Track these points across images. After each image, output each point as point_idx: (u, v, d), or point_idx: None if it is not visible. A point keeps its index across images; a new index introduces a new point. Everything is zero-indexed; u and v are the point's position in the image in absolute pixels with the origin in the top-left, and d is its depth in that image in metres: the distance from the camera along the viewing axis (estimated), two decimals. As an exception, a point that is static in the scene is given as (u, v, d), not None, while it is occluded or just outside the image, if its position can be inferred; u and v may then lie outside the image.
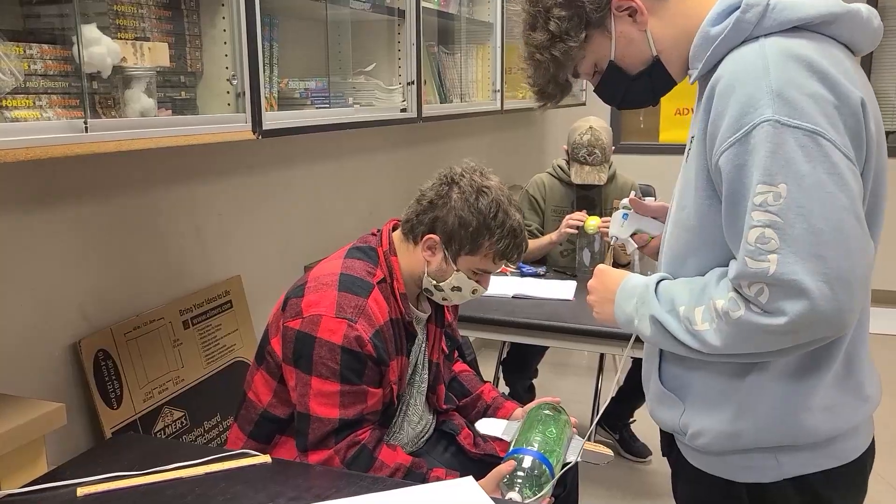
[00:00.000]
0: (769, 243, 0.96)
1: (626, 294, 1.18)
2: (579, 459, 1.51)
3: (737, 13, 1.03)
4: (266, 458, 1.44)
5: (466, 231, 1.53)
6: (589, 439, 1.57)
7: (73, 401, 1.74)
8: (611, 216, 2.83)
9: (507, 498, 1.38)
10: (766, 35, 1.02)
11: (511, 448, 1.47)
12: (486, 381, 1.87)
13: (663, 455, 1.36)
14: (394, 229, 1.64)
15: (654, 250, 1.43)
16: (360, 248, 1.60)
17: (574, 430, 1.55)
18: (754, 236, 0.97)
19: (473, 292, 1.60)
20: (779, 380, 1.10)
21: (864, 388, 1.14)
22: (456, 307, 1.84)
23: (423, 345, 1.68)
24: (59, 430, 1.45)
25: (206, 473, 1.37)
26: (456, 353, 1.91)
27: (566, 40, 1.13)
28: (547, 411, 1.57)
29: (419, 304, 1.68)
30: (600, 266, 1.28)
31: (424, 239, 1.56)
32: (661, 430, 1.33)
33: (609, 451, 1.57)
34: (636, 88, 1.19)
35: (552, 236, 2.85)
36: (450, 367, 1.79)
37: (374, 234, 1.64)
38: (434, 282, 1.58)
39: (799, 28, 1.03)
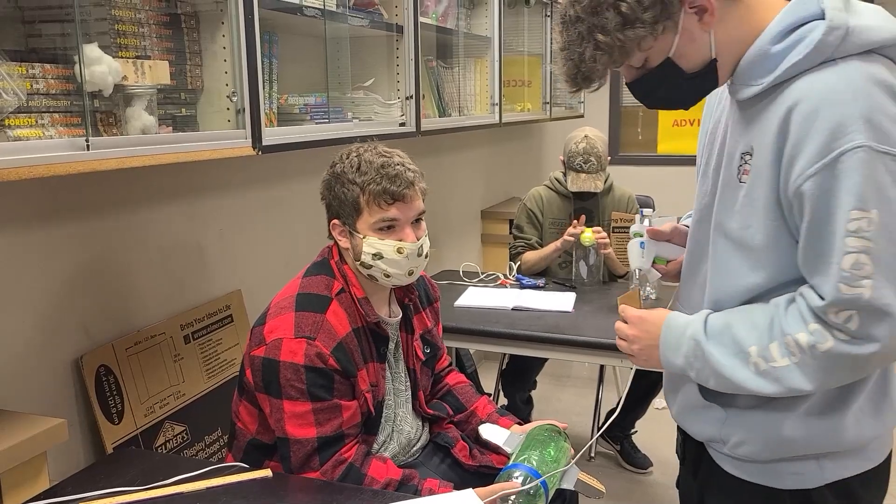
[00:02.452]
0: (863, 269, 0.97)
1: (671, 346, 1.17)
2: (572, 489, 1.53)
3: (817, 35, 1.02)
4: (266, 473, 1.44)
5: (343, 198, 1.53)
6: (590, 451, 1.58)
7: (74, 416, 1.75)
8: (608, 228, 2.88)
9: None
10: (843, 58, 1.02)
11: (510, 462, 1.48)
12: (482, 395, 1.87)
13: (682, 462, 1.35)
14: None
15: (675, 273, 1.42)
16: (317, 263, 1.63)
17: (572, 459, 1.56)
18: (850, 262, 0.98)
19: (399, 251, 1.52)
20: (823, 394, 1.12)
21: (893, 397, 1.17)
22: (436, 312, 1.82)
23: (398, 352, 1.68)
24: (61, 445, 1.46)
25: (207, 488, 1.38)
26: (448, 362, 1.90)
27: (638, 27, 1.06)
28: (549, 433, 1.58)
29: (390, 308, 1.68)
30: (631, 311, 1.25)
31: (332, 229, 1.59)
32: (682, 440, 1.32)
33: (602, 487, 1.58)
34: (682, 88, 1.15)
35: (557, 244, 2.86)
36: (429, 372, 1.78)
37: (329, 247, 1.66)
38: (358, 262, 1.56)
39: (870, 51, 1.03)
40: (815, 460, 1.14)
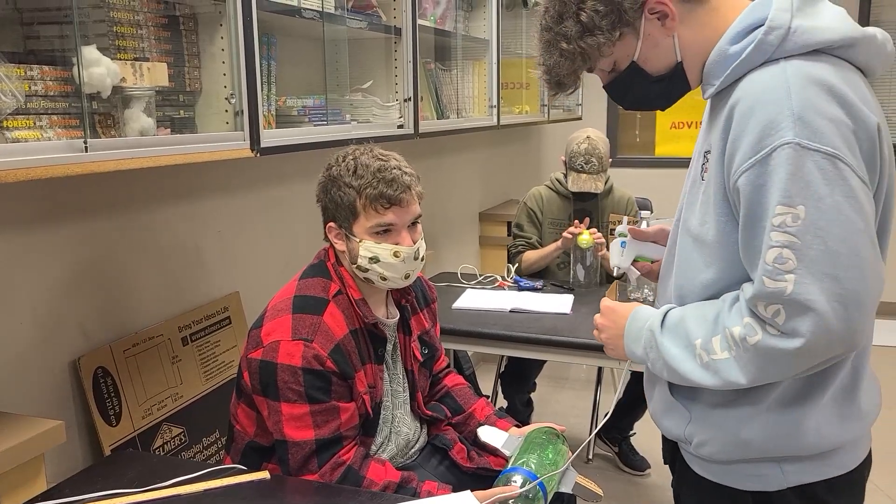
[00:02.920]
0: (787, 263, 0.98)
1: (633, 337, 1.20)
2: (570, 492, 1.53)
3: (759, 35, 1.04)
4: (264, 475, 1.44)
5: (339, 202, 1.53)
6: (588, 453, 1.58)
7: (72, 418, 1.75)
8: (606, 230, 2.88)
9: None
10: (786, 58, 1.03)
11: (508, 466, 1.49)
12: (480, 397, 1.87)
13: (665, 463, 1.37)
14: None
15: (657, 274, 1.44)
16: (314, 266, 1.63)
17: (569, 462, 1.57)
18: (772, 256, 0.99)
19: (396, 255, 1.53)
20: (783, 393, 1.12)
21: (862, 403, 1.15)
22: (433, 313, 1.82)
23: (396, 353, 1.68)
24: (59, 447, 1.45)
25: (205, 490, 1.38)
26: (446, 363, 1.90)
27: (597, 34, 1.12)
28: (548, 436, 1.58)
29: (388, 310, 1.68)
30: (606, 302, 1.29)
31: (328, 232, 1.58)
32: (663, 438, 1.34)
33: (600, 490, 1.59)
34: (652, 91, 1.19)
35: (557, 244, 2.87)
36: (427, 373, 1.78)
37: (325, 249, 1.66)
38: (355, 266, 1.56)
39: (818, 51, 1.04)
40: (776, 463, 1.15)
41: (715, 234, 1.10)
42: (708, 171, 1.11)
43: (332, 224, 1.58)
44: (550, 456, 1.51)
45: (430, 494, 1.48)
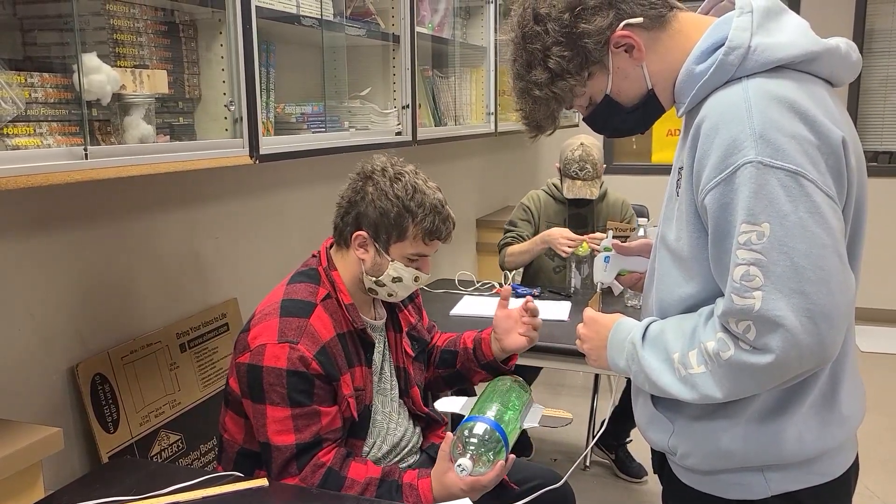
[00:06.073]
0: (753, 281, 0.99)
1: (616, 348, 1.21)
2: (538, 425, 1.54)
3: (719, 56, 1.05)
4: (263, 482, 1.44)
5: (389, 219, 1.54)
6: (585, 461, 1.59)
7: (70, 425, 1.75)
8: (603, 232, 2.88)
9: (457, 464, 1.40)
10: (748, 76, 1.04)
11: (466, 416, 1.49)
12: (465, 331, 1.88)
13: (654, 472, 1.38)
14: (331, 247, 1.67)
15: (641, 285, 1.45)
16: (302, 271, 1.64)
17: (532, 399, 1.59)
18: (739, 274, 1.00)
19: (416, 279, 1.60)
20: (763, 404, 1.13)
21: (843, 409, 1.16)
22: (420, 309, 1.85)
23: (386, 352, 1.69)
24: (56, 454, 1.45)
25: (203, 497, 1.38)
26: (438, 334, 1.91)
27: (567, 78, 1.14)
28: (508, 382, 1.60)
29: (375, 311, 1.69)
30: (588, 312, 1.30)
31: (354, 237, 1.58)
32: (651, 448, 1.35)
33: (568, 415, 1.60)
34: (630, 119, 1.21)
35: (536, 239, 2.87)
36: (421, 367, 1.79)
37: (314, 256, 1.67)
38: (373, 278, 1.58)
39: (781, 67, 1.05)
40: (760, 472, 1.15)
41: (689, 248, 1.11)
42: (681, 188, 1.13)
43: (363, 233, 1.57)
44: (514, 401, 1.52)
45: (411, 486, 1.49)
